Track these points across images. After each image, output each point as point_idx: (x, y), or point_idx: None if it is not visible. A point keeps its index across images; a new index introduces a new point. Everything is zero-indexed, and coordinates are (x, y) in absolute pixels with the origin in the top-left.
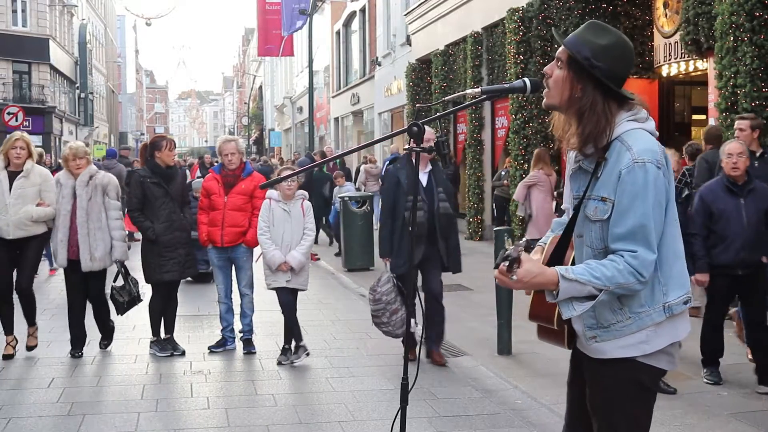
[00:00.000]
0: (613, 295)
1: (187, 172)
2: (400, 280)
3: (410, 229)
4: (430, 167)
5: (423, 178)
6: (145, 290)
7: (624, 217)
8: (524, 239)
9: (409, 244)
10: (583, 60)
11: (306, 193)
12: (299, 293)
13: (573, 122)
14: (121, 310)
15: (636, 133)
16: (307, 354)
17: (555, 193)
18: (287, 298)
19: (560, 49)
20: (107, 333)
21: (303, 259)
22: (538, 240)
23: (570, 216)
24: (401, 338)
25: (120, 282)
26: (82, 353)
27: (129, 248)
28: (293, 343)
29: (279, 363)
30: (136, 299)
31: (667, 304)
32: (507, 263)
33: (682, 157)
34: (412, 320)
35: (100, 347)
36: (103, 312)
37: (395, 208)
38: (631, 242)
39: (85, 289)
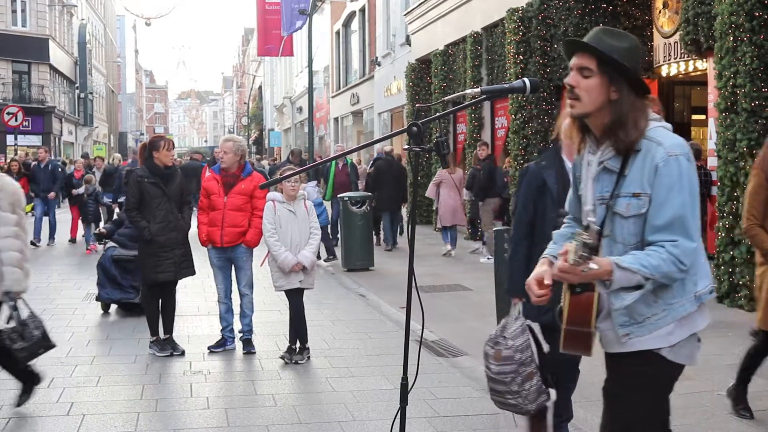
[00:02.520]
0: (652, 286)
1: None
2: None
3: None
4: None
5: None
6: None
7: (662, 209)
8: (593, 227)
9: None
10: (616, 62)
11: (305, 192)
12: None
13: (611, 125)
14: (24, 358)
15: (660, 130)
16: (308, 357)
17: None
18: (298, 300)
19: (578, 59)
20: None
21: (314, 258)
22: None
23: (599, 217)
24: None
25: (12, 323)
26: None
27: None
28: (298, 344)
29: (282, 359)
30: (41, 343)
31: (697, 293)
32: (587, 252)
33: None
34: (552, 390)
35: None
36: None
37: (535, 225)
38: (671, 232)
39: None
